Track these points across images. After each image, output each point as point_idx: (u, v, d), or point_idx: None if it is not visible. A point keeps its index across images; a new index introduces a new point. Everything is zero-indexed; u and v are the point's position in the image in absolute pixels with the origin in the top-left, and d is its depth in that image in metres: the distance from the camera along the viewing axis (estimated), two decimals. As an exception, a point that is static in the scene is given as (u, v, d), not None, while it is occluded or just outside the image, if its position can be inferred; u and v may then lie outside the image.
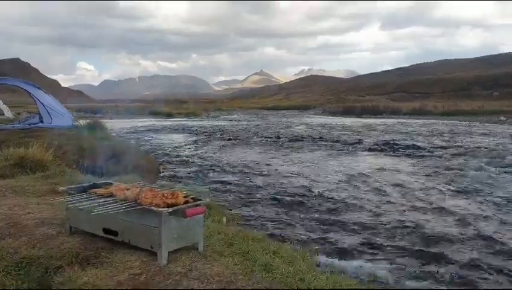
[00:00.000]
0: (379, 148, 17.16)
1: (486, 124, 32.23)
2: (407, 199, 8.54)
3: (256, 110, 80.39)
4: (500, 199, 8.51)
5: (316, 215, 7.26)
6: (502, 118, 36.49)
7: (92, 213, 2.92)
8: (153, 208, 2.88)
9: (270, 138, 21.90)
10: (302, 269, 3.16)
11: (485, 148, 16.63)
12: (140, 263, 2.86)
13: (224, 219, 4.86)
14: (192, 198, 3.10)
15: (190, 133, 24.94)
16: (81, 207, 3.10)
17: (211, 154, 15.35)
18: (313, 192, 9.04)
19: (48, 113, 12.87)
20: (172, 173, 11.36)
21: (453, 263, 5.24)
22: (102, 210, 2.92)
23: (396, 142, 19.02)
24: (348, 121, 39.02)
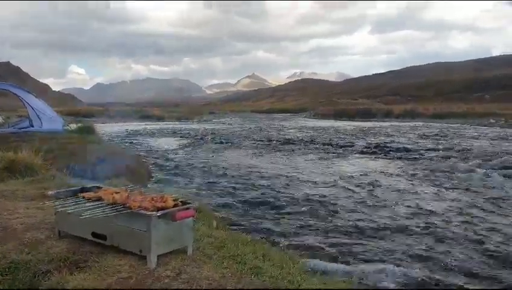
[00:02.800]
0: (370, 151, 17.25)
1: (476, 127, 32.56)
2: (397, 202, 8.59)
3: (249, 113, 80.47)
4: (489, 199, 8.61)
5: (307, 219, 7.29)
6: (492, 120, 36.91)
7: (81, 217, 2.90)
8: (141, 211, 2.87)
9: (262, 141, 21.92)
10: (291, 271, 3.17)
11: (473, 150, 16.79)
12: (129, 267, 2.85)
13: (214, 222, 4.85)
14: (181, 201, 3.09)
15: (182, 137, 24.89)
16: (69, 211, 3.08)
17: (202, 158, 15.34)
18: (303, 195, 9.06)
19: (38, 117, 12.78)
20: (163, 176, 11.34)
21: (445, 265, 5.29)
22: (90, 214, 2.91)
23: (388, 144, 19.14)
24: (340, 124, 39.19)
